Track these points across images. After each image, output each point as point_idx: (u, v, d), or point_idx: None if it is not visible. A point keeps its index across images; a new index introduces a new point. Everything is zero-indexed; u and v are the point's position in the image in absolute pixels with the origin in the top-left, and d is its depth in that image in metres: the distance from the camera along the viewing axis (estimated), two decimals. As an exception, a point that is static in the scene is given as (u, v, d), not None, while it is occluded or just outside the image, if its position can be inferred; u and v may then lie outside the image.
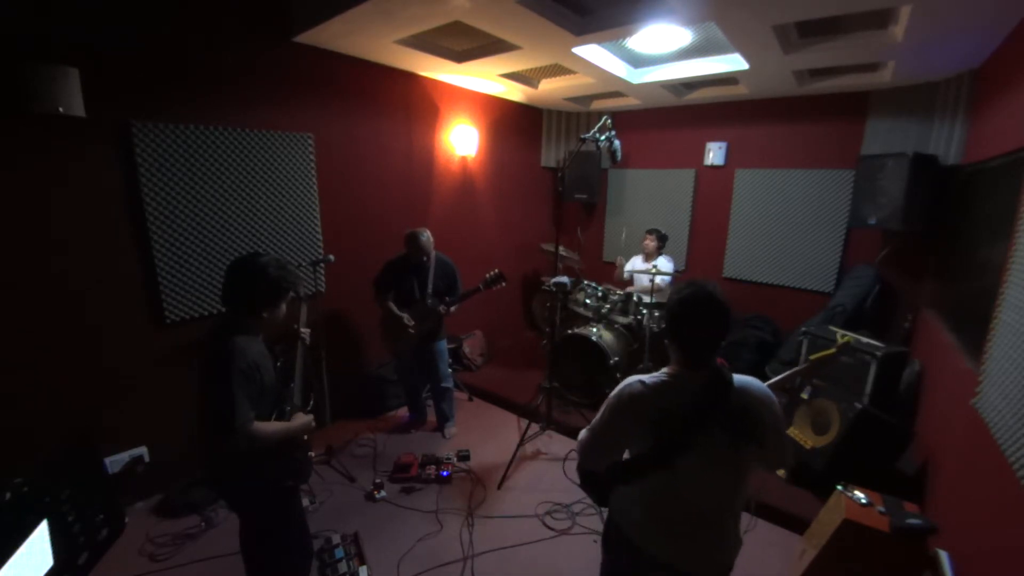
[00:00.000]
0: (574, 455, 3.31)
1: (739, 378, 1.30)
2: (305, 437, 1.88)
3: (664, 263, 4.10)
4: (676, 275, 4.14)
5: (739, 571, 2.45)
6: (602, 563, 1.65)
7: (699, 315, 1.26)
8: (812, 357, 1.78)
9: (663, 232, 4.15)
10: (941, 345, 2.80)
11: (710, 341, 1.28)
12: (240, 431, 1.52)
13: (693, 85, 4.06)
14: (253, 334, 1.69)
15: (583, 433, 1.43)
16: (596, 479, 1.46)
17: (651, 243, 4.12)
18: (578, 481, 1.58)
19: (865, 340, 2.99)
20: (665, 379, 1.31)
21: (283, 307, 1.74)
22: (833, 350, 1.81)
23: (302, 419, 1.81)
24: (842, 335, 1.88)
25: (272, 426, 1.68)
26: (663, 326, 3.76)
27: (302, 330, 2.17)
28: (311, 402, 2.02)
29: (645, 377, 1.33)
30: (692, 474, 1.28)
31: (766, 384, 1.40)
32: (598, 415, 1.38)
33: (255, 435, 1.57)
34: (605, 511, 2.71)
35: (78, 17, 2.25)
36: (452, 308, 3.26)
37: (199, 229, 2.77)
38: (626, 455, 1.42)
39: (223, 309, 1.70)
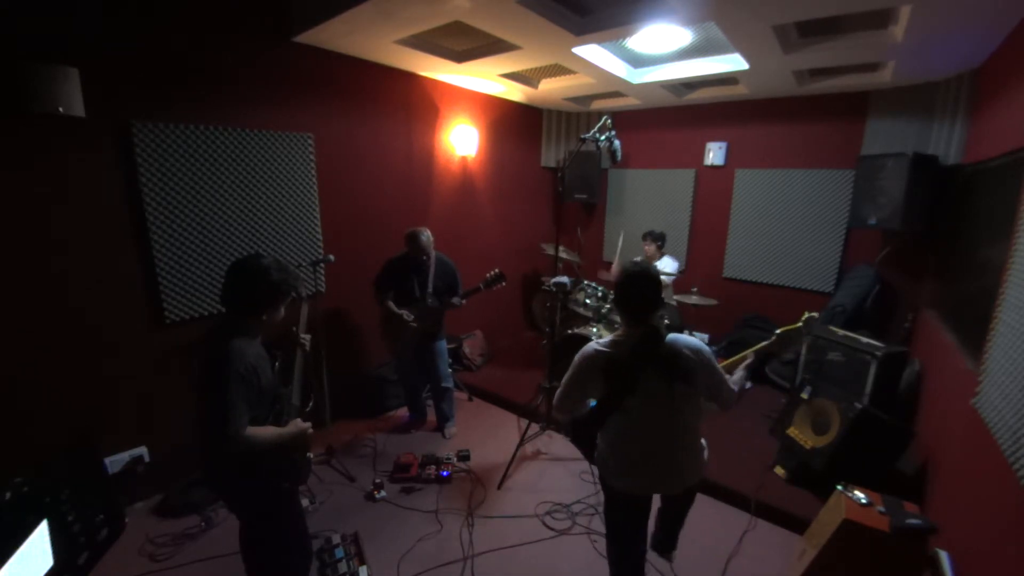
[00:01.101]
0: (574, 456, 3.32)
1: (672, 335, 1.67)
2: (310, 455, 1.88)
3: (668, 263, 4.11)
4: (678, 275, 4.14)
5: (740, 571, 2.46)
6: (608, 531, 1.95)
7: (635, 285, 1.67)
8: (778, 331, 1.97)
9: (658, 232, 4.13)
10: (941, 345, 2.80)
11: (644, 304, 1.67)
12: (233, 436, 1.53)
13: (693, 85, 4.06)
14: (252, 336, 1.69)
15: (557, 392, 1.80)
16: (577, 428, 1.85)
17: (649, 247, 4.11)
18: (570, 436, 1.95)
19: (865, 340, 2.99)
20: (614, 339, 1.69)
21: (282, 309, 1.75)
22: (799, 324, 1.99)
23: (298, 426, 1.80)
24: (807, 312, 2.02)
25: (266, 431, 1.67)
26: (665, 324, 3.83)
27: (302, 336, 2.17)
28: (311, 402, 2.01)
29: (598, 342, 1.72)
30: (639, 412, 1.66)
31: (740, 356, 1.90)
32: (566, 375, 1.76)
33: (249, 439, 1.57)
34: (602, 512, 2.74)
35: (78, 17, 2.25)
36: (463, 300, 3.26)
37: (199, 229, 2.77)
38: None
39: (223, 309, 1.70)
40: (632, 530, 1.87)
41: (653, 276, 1.67)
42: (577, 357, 1.73)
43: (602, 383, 1.67)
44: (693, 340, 1.68)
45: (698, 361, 1.63)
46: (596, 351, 1.69)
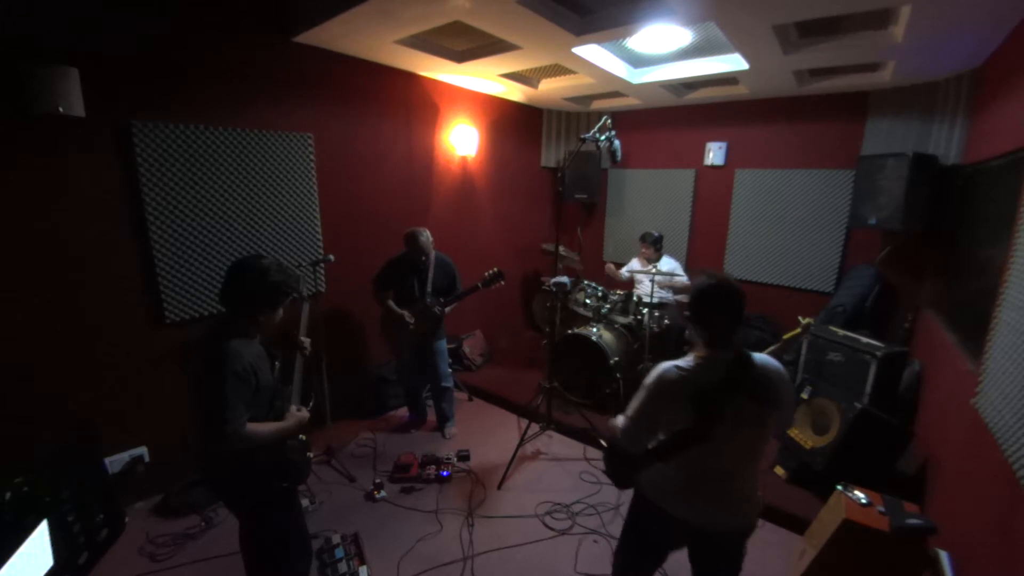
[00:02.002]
0: (574, 456, 3.33)
1: (756, 355, 1.51)
2: (303, 437, 1.88)
3: (667, 262, 4.11)
4: (673, 275, 4.13)
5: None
6: (624, 543, 1.81)
7: (721, 302, 1.47)
8: (785, 336, 2.01)
9: (656, 234, 4.12)
10: (941, 345, 2.80)
11: (732, 324, 1.48)
12: (231, 435, 1.53)
13: (693, 85, 4.06)
14: (250, 336, 1.69)
15: (621, 421, 1.59)
16: (625, 463, 1.64)
17: (647, 250, 4.11)
18: (604, 468, 1.78)
19: (865, 340, 3.00)
20: (697, 362, 1.48)
21: (281, 310, 1.75)
22: (799, 330, 2.06)
23: (295, 415, 1.81)
24: (804, 319, 2.12)
25: (266, 427, 1.67)
26: (665, 323, 3.83)
27: (302, 339, 2.17)
28: (311, 402, 2.01)
29: (679, 362, 1.50)
30: (725, 442, 1.44)
31: None
32: (636, 401, 1.54)
33: (247, 437, 1.57)
34: (606, 515, 2.73)
35: (78, 17, 2.25)
36: (448, 308, 3.27)
37: (199, 229, 2.77)
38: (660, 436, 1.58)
39: (222, 309, 1.70)
40: (658, 557, 1.74)
41: (739, 289, 1.48)
42: (654, 381, 1.50)
43: (689, 413, 1.44)
44: (776, 362, 1.53)
45: (784, 384, 1.50)
46: (681, 377, 1.47)
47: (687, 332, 1.59)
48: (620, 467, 1.68)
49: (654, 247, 4.09)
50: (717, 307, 1.48)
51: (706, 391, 1.43)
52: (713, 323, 1.49)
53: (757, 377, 1.46)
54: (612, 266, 4.36)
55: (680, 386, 1.46)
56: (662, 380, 1.49)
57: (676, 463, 1.53)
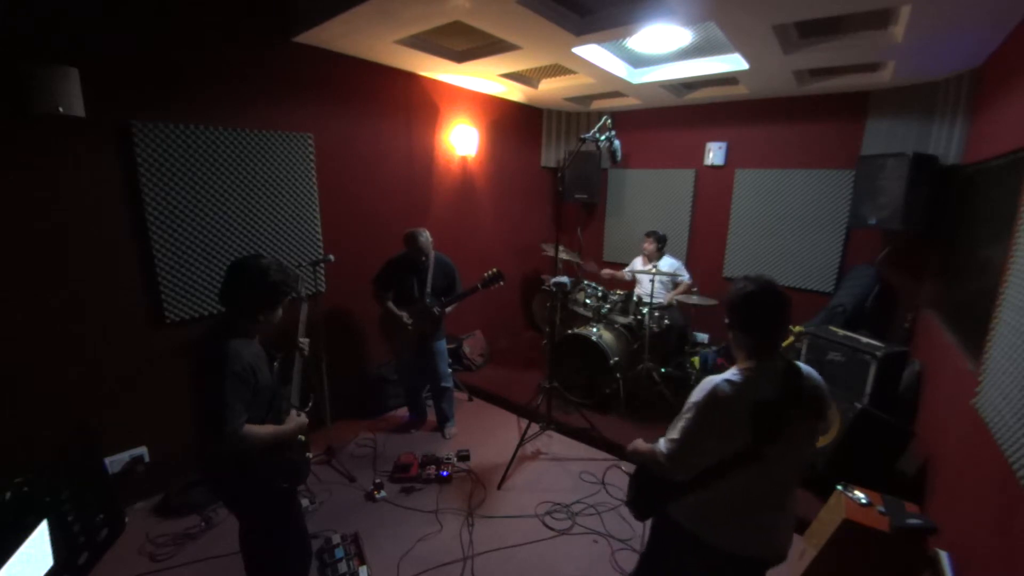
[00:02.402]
0: (574, 456, 3.33)
1: (795, 362, 1.41)
2: (302, 438, 1.88)
3: (668, 263, 4.11)
4: (676, 275, 4.13)
5: (739, 571, 2.41)
6: (646, 566, 1.71)
7: (770, 307, 1.37)
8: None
9: (661, 233, 4.14)
10: (941, 345, 2.79)
11: (783, 329, 1.40)
12: (230, 435, 1.53)
13: (693, 85, 4.06)
14: (249, 336, 1.69)
15: (663, 444, 1.44)
16: (659, 490, 1.50)
17: (650, 246, 4.11)
18: (626, 499, 1.64)
19: (865, 340, 2.99)
20: (748, 374, 1.36)
21: (280, 311, 1.75)
22: (792, 338, 2.08)
23: (295, 420, 1.82)
24: (795, 327, 2.14)
25: (264, 429, 1.67)
26: (665, 323, 3.83)
27: (301, 340, 2.17)
28: (310, 403, 2.01)
29: (727, 376, 1.38)
30: (779, 460, 1.34)
31: None
32: (684, 421, 1.39)
33: (246, 438, 1.57)
34: (606, 515, 2.73)
35: (78, 17, 2.25)
36: (448, 309, 3.27)
37: (199, 229, 2.77)
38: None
39: (222, 309, 1.70)
40: None
41: (785, 294, 1.38)
42: (705, 398, 1.36)
43: (746, 431, 1.31)
44: (810, 368, 1.44)
45: (827, 391, 1.42)
46: (737, 391, 1.33)
47: (729, 341, 1.46)
48: (652, 495, 1.54)
49: (656, 244, 4.09)
50: (766, 312, 1.37)
51: (766, 406, 1.31)
52: (763, 330, 1.38)
53: (811, 388, 1.37)
54: (608, 270, 4.37)
55: (736, 402, 1.32)
56: (716, 396, 1.34)
57: (726, 487, 1.38)
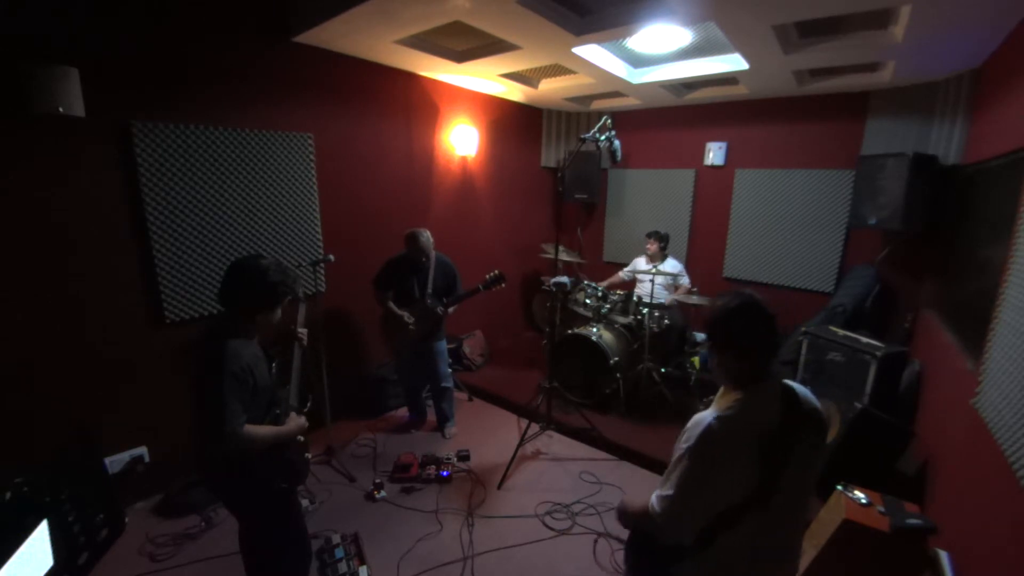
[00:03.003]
0: (574, 456, 3.33)
1: (797, 386, 1.27)
2: (301, 438, 1.88)
3: (671, 264, 4.11)
4: (677, 276, 4.13)
5: (739, 571, 2.41)
6: None
7: (756, 321, 1.22)
8: None
9: (664, 233, 4.14)
10: (941, 345, 2.79)
11: (772, 349, 1.25)
12: (229, 435, 1.53)
13: (693, 85, 4.06)
14: (248, 336, 1.69)
15: (656, 501, 1.27)
16: (662, 554, 1.32)
17: (653, 247, 4.11)
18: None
19: (865, 340, 3.00)
20: (740, 404, 1.21)
21: (279, 311, 1.75)
22: None
23: (295, 421, 1.82)
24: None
25: (263, 430, 1.67)
26: (665, 323, 3.83)
27: (299, 330, 2.17)
28: (309, 403, 2.01)
29: (714, 412, 1.23)
30: (788, 495, 1.20)
31: None
32: (679, 473, 1.22)
33: (245, 439, 1.57)
34: (606, 514, 2.73)
35: (78, 17, 2.25)
36: (450, 309, 3.27)
37: (199, 229, 2.77)
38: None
39: (222, 309, 1.70)
40: None
41: (769, 308, 1.23)
42: (697, 442, 1.19)
43: (752, 471, 1.15)
44: (808, 391, 1.30)
45: (822, 409, 1.29)
46: (733, 427, 1.18)
47: (709, 363, 1.32)
48: (654, 561, 1.36)
49: (659, 244, 4.09)
50: (751, 328, 1.22)
51: (769, 438, 1.16)
52: (753, 349, 1.22)
53: (811, 411, 1.23)
54: (607, 281, 4.39)
55: (734, 438, 1.17)
56: (710, 437, 1.18)
57: (735, 538, 1.21)
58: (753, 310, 1.22)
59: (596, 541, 2.54)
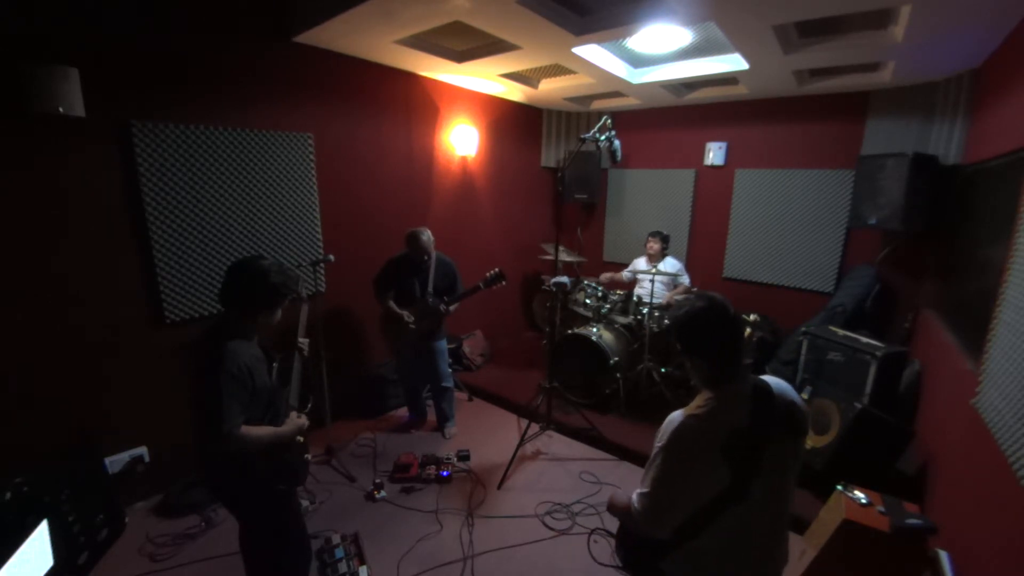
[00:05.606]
0: (574, 456, 3.33)
1: (767, 379, 1.29)
2: (300, 439, 1.88)
3: (672, 263, 4.10)
4: (677, 276, 4.13)
5: (739, 571, 2.40)
6: None
7: (721, 324, 1.24)
8: None
9: (665, 233, 4.14)
10: (941, 345, 2.80)
11: (738, 350, 1.25)
12: (228, 436, 1.53)
13: (693, 85, 4.06)
14: (248, 337, 1.69)
15: (635, 498, 1.31)
16: (648, 549, 1.36)
17: (655, 246, 4.11)
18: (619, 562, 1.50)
19: (865, 340, 3.00)
20: (711, 404, 1.23)
21: (279, 312, 1.75)
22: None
23: (294, 422, 1.81)
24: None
25: (261, 430, 1.67)
26: (665, 323, 3.82)
27: (300, 340, 2.17)
28: (309, 404, 2.01)
29: (688, 410, 1.26)
30: (765, 492, 1.22)
31: None
32: (654, 470, 1.26)
33: (243, 439, 1.57)
34: (606, 515, 2.73)
35: (78, 17, 2.25)
36: (452, 307, 3.27)
37: (199, 229, 2.77)
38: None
39: (222, 309, 1.70)
40: None
41: (736, 313, 1.27)
42: (669, 439, 1.23)
43: (723, 469, 1.19)
44: (783, 381, 1.32)
45: (804, 406, 1.30)
46: (700, 426, 1.21)
47: (687, 366, 1.33)
48: (643, 554, 1.40)
49: (661, 243, 4.09)
50: (715, 332, 1.24)
51: (739, 435, 1.19)
52: (717, 353, 1.25)
53: (784, 406, 1.24)
54: (608, 273, 4.37)
55: (705, 436, 1.20)
56: (682, 434, 1.22)
57: (715, 533, 1.25)
58: (714, 314, 1.24)
59: (596, 541, 2.53)
